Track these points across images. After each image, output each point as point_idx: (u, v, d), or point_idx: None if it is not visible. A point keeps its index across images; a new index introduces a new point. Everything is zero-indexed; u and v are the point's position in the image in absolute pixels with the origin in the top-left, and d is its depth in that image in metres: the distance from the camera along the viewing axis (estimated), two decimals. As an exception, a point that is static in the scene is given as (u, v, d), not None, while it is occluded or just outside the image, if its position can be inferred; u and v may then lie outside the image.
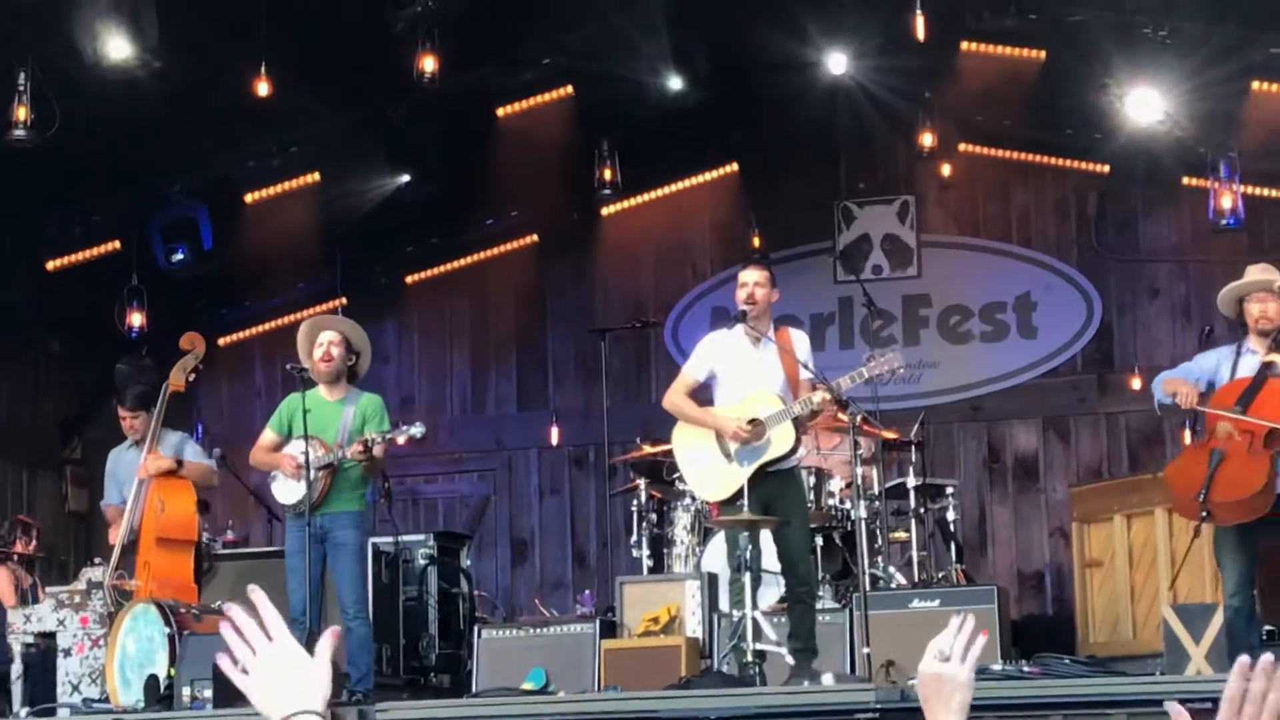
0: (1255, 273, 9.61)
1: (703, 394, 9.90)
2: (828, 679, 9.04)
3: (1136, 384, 15.20)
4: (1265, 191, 14.73)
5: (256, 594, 3.21)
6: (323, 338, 10.59)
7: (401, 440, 10.38)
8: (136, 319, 14.79)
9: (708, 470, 9.65)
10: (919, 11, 12.37)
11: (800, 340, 9.82)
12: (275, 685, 3.13)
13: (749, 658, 9.11)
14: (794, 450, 9.53)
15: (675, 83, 13.68)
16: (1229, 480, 9.16)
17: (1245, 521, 9.23)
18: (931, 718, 3.52)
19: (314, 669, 3.15)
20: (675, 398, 9.80)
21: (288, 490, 10.35)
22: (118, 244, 14.62)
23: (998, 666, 9.02)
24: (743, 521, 9.23)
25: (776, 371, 9.61)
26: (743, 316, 9.67)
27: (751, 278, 9.75)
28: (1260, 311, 9.38)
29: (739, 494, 9.30)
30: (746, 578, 9.18)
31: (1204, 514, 9.25)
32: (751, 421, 9.44)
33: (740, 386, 9.63)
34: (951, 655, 3.56)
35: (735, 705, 8.69)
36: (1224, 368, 9.45)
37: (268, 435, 10.65)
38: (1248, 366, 9.34)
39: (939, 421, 14.66)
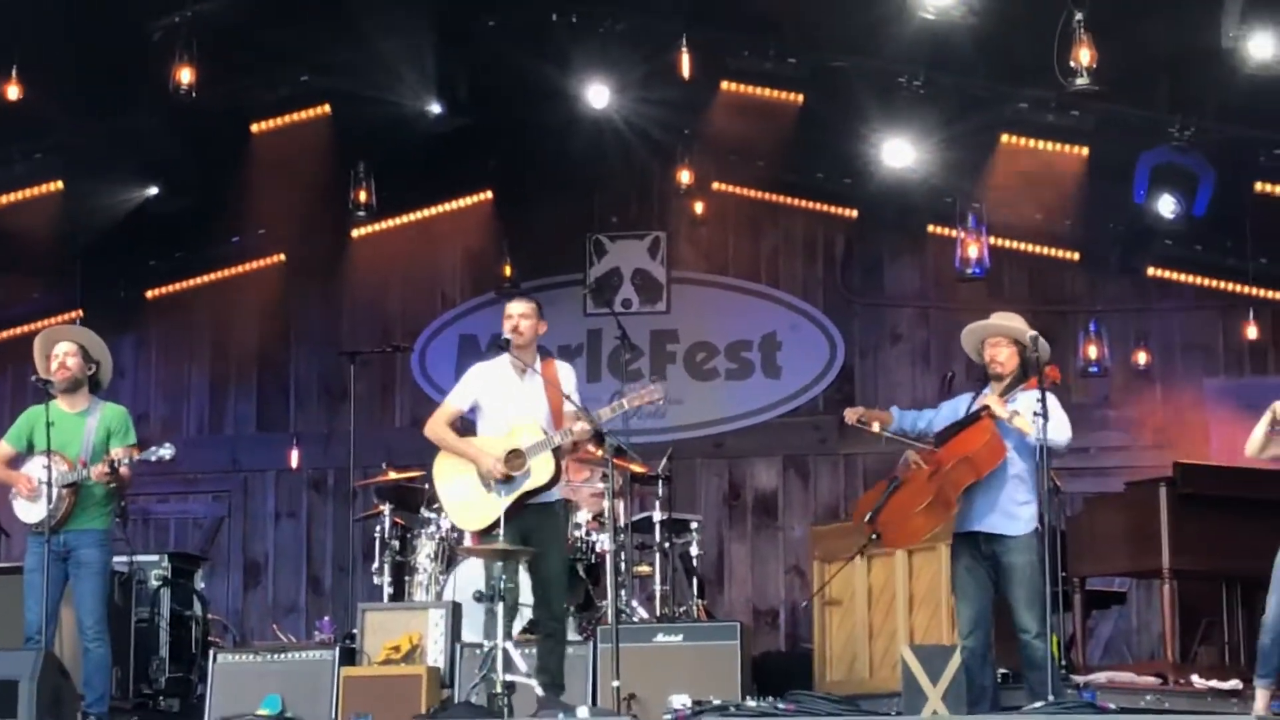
0: (997, 318, 9.83)
1: (465, 425, 9.84)
2: (582, 712, 9.01)
3: (875, 426, 15.42)
4: (1008, 243, 15.09)
5: None
6: (58, 349, 10.34)
7: (151, 460, 10.14)
8: None
9: (467, 499, 9.59)
10: (684, 49, 12.50)
11: (566, 373, 9.82)
12: None
13: (498, 689, 9.04)
14: (554, 481, 9.51)
15: (435, 107, 13.62)
16: (897, 503, 9.48)
17: (914, 543, 9.55)
18: None
19: None
20: (437, 427, 9.73)
21: (29, 509, 10.05)
22: None
23: (752, 703, 9.06)
24: (497, 551, 9.17)
25: (541, 403, 9.59)
26: (506, 345, 9.61)
27: (518, 309, 9.72)
28: (991, 356, 9.61)
29: (496, 524, 9.25)
30: (499, 608, 9.12)
31: (873, 535, 9.56)
32: (513, 452, 9.41)
33: (504, 417, 9.60)
34: None
35: (486, 737, 8.61)
36: (961, 408, 9.66)
37: (2, 448, 10.34)
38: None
39: (683, 457, 14.73)
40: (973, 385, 10.10)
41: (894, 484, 9.56)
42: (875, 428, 9.67)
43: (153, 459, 10.17)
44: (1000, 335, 9.64)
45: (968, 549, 9.52)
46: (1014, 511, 9.41)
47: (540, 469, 9.45)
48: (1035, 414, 9.22)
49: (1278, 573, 9.29)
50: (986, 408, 9.44)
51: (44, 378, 10.27)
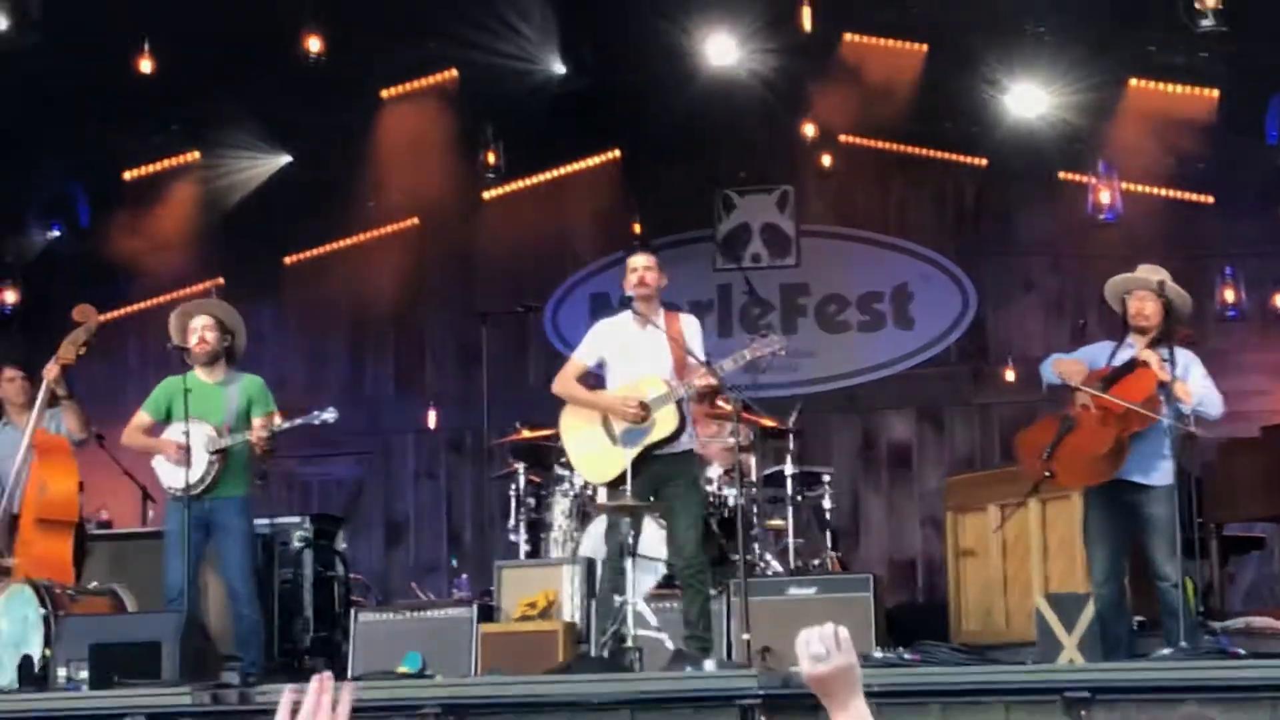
0: (1143, 271, 9.75)
1: (589, 380, 9.93)
2: (709, 665, 9.07)
3: (1010, 376, 15.40)
4: (1140, 188, 14.94)
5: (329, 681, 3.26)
6: (195, 323, 10.49)
7: (315, 423, 10.29)
8: (9, 296, 14.60)
9: (593, 453, 9.69)
10: (805, 2, 12.47)
11: (690, 325, 9.84)
12: None
13: (628, 643, 9.13)
14: (679, 432, 9.56)
15: (559, 67, 13.69)
16: (1074, 445, 9.41)
17: (1090, 485, 9.44)
18: (840, 710, 3.54)
19: None
20: (564, 382, 9.84)
21: (175, 473, 10.20)
22: (-10, 220, 14.45)
23: (878, 654, 9.09)
24: (625, 507, 9.25)
25: (665, 356, 9.64)
26: (628, 302, 9.68)
27: (641, 263, 9.76)
28: (1137, 309, 9.53)
29: (623, 477, 9.34)
30: (627, 563, 9.20)
31: (1047, 473, 9.48)
32: (639, 404, 9.48)
33: (629, 371, 9.68)
34: (829, 651, 3.57)
35: (617, 690, 8.69)
36: (1101, 359, 9.60)
37: (142, 417, 10.50)
38: (1124, 358, 9.50)
39: (816, 410, 14.74)
40: (1107, 334, 10.05)
41: (1067, 424, 9.46)
42: (1075, 381, 9.56)
43: (315, 422, 10.31)
44: (1147, 289, 9.56)
45: (1106, 497, 9.46)
46: (1158, 464, 9.35)
47: (665, 421, 9.51)
48: (1172, 376, 9.17)
49: None
50: (1145, 364, 9.36)
51: (181, 345, 10.45)
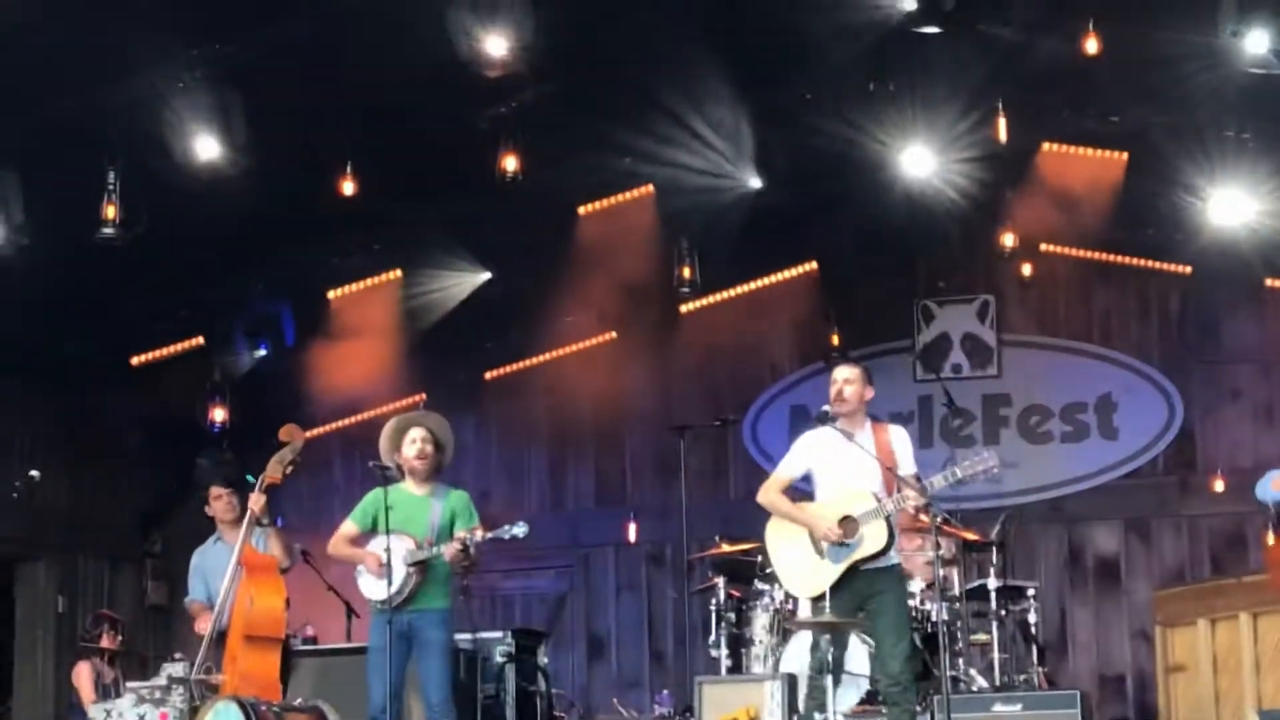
0: None
1: (793, 494, 9.87)
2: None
3: (1219, 486, 15.13)
4: (1349, 294, 14.67)
5: None
6: (414, 434, 10.56)
7: (505, 538, 10.34)
8: (219, 414, 14.91)
9: (800, 566, 9.60)
10: (1000, 111, 12.43)
11: (900, 437, 9.75)
12: None
13: (829, 760, 9.03)
14: (888, 548, 9.47)
15: (755, 181, 13.75)
16: None
17: None
18: None
19: None
20: (770, 493, 9.78)
21: (375, 586, 10.31)
22: (201, 340, 14.76)
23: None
24: (824, 623, 9.17)
25: (873, 469, 9.55)
26: (825, 416, 9.62)
27: (842, 375, 9.71)
28: None
29: (825, 593, 9.27)
30: (828, 680, 9.11)
31: None
32: (845, 519, 9.41)
33: (836, 484, 9.61)
34: None
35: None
36: None
37: (348, 527, 10.57)
38: None
39: (1019, 522, 14.55)
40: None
41: None
42: None
43: (506, 537, 10.33)
44: None
45: None
46: None
47: (873, 536, 9.42)
48: None
49: None
50: None
51: (384, 463, 10.56)
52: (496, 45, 11.04)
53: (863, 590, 9.49)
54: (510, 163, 12.27)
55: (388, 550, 10.06)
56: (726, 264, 15.40)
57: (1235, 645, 11.53)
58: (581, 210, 14.23)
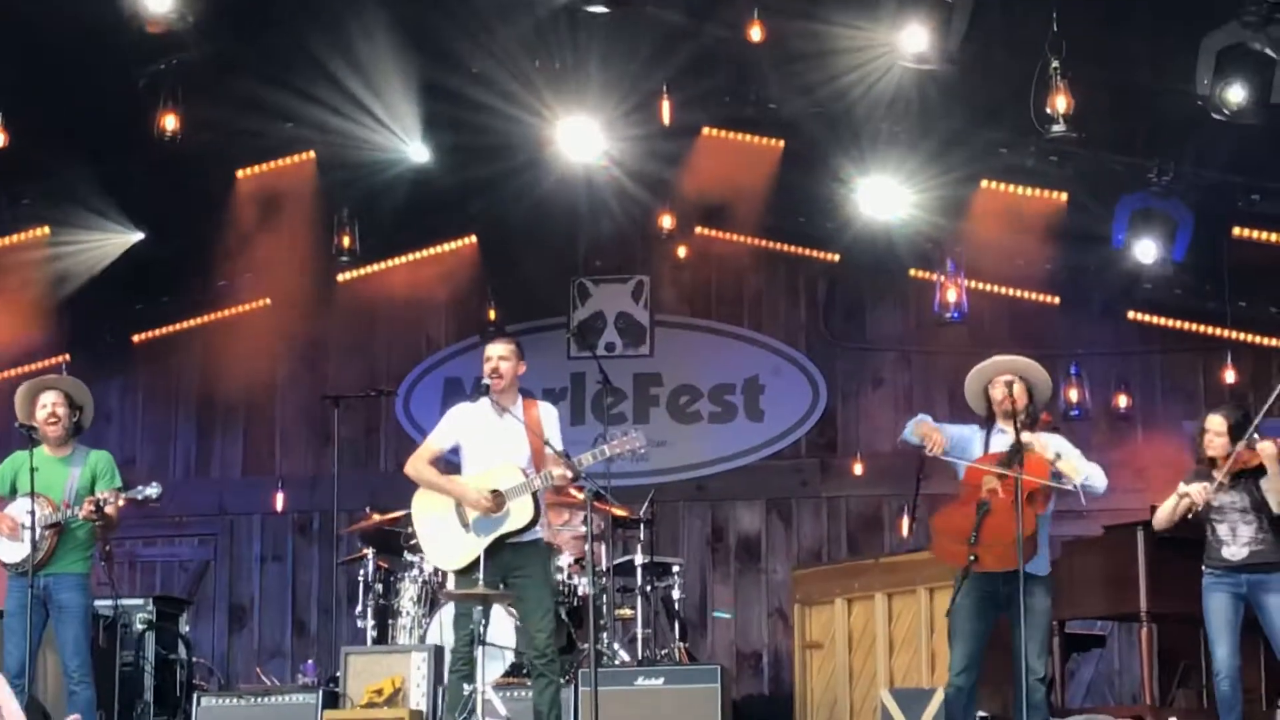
0: (1006, 358, 9.81)
1: (442, 465, 9.89)
2: (561, 756, 9.05)
3: (858, 469, 15.58)
4: (988, 287, 15.19)
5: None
6: (45, 398, 10.43)
7: (138, 499, 10.20)
8: None
9: (445, 539, 9.64)
10: (665, 95, 12.60)
11: (549, 414, 9.83)
12: None
13: (477, 732, 9.08)
14: (533, 523, 9.55)
15: (420, 154, 13.70)
16: (993, 529, 9.27)
17: (996, 572, 9.34)
18: None
19: None
20: (417, 464, 9.79)
21: (11, 549, 10.10)
22: None
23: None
24: (475, 595, 9.22)
25: (521, 444, 9.62)
26: (485, 389, 9.67)
27: (497, 351, 9.76)
28: (1004, 394, 9.55)
29: (474, 565, 9.31)
30: (478, 651, 9.15)
31: (972, 558, 9.33)
32: (493, 493, 9.46)
33: (485, 458, 9.64)
34: None
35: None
36: (975, 443, 9.62)
37: (-13, 492, 10.41)
38: (1000, 444, 9.52)
39: (666, 500, 14.79)
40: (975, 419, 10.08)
41: (984, 508, 9.39)
42: (934, 450, 9.54)
43: (139, 498, 10.23)
44: (1013, 372, 9.66)
45: (982, 586, 9.38)
46: (1044, 552, 9.43)
47: (519, 511, 9.49)
48: (1056, 454, 9.28)
49: (1213, 619, 9.55)
50: (1029, 446, 9.40)
51: (28, 424, 10.34)
52: (159, 1, 10.82)
53: (508, 563, 9.55)
54: (170, 122, 12.03)
55: (32, 512, 9.86)
56: (387, 235, 15.33)
57: (870, 624, 11.87)
58: (240, 174, 14.02)
